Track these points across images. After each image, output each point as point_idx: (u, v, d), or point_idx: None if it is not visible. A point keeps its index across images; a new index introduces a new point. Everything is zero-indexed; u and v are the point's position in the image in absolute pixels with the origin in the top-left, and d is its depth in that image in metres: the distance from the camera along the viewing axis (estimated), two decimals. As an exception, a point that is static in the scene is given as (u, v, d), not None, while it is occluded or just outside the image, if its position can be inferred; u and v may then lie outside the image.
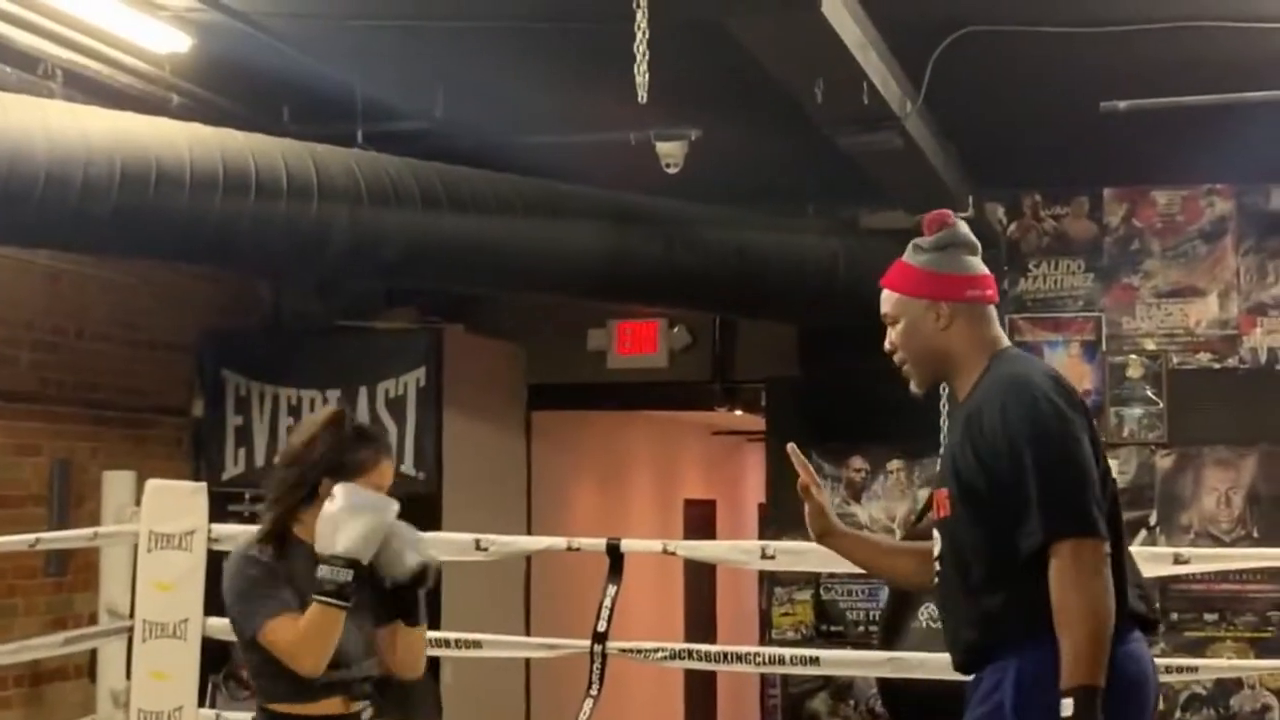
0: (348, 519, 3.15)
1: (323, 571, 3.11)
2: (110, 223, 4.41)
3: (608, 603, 4.69)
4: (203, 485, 4.90)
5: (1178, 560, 4.40)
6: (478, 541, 4.69)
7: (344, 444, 3.29)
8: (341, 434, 3.31)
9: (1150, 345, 6.93)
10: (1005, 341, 2.97)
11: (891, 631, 5.97)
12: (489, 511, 6.78)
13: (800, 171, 6.44)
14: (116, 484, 5.02)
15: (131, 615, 4.74)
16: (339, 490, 3.18)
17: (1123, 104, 5.17)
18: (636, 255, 5.90)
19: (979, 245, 3.09)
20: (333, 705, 3.27)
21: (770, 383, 7.55)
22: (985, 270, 3.04)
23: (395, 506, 3.23)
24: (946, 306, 2.97)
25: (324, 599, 3.11)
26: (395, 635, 3.33)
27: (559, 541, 4.95)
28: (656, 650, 4.79)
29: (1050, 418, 2.70)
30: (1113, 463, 6.67)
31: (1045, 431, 2.68)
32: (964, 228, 3.09)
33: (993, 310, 2.99)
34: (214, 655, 5.98)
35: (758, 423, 8.37)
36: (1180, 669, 4.94)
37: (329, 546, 3.12)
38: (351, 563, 3.12)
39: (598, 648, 4.62)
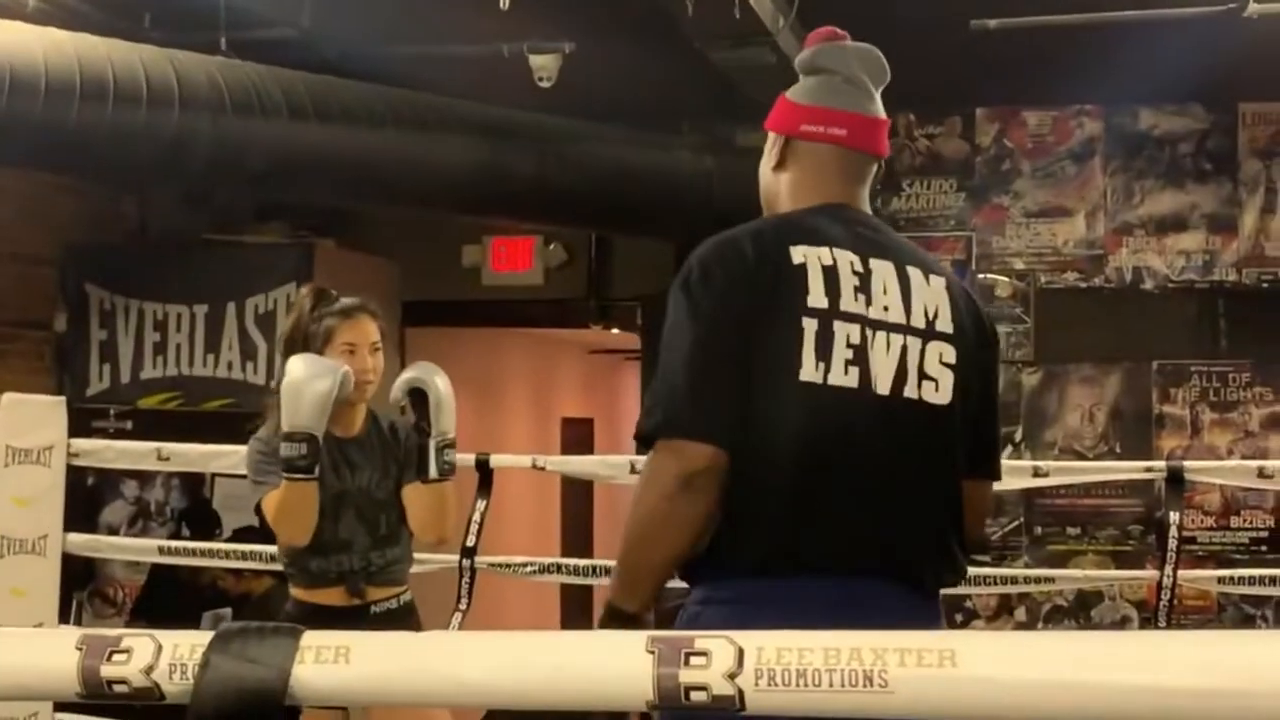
0: (298, 392, 3.33)
1: (283, 449, 3.31)
2: (-39, 129, 4.28)
3: (476, 518, 4.69)
4: (61, 399, 4.80)
5: (1037, 473, 4.48)
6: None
7: (320, 316, 3.56)
8: (322, 308, 3.58)
9: (1019, 264, 7.01)
10: (845, 199, 2.36)
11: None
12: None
13: (676, 88, 6.40)
14: (-28, 398, 4.90)
15: (-13, 532, 4.64)
16: (290, 364, 3.36)
17: (993, 22, 5.20)
18: (509, 171, 5.84)
19: (868, 78, 2.42)
20: (334, 595, 3.60)
21: (646, 300, 7.54)
22: (857, 107, 2.39)
23: (341, 368, 3.41)
24: (779, 141, 2.44)
25: (288, 474, 3.32)
26: (411, 496, 3.56)
27: (428, 457, 4.92)
28: (526, 564, 4.79)
29: (682, 291, 2.22)
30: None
31: (675, 307, 2.23)
32: (845, 50, 2.44)
33: (850, 158, 2.37)
34: (78, 572, 5.90)
35: (635, 341, 8.37)
36: (1039, 579, 5.06)
37: (288, 422, 3.31)
38: (306, 436, 3.28)
39: (466, 563, 4.62)
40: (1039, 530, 6.83)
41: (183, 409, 6.57)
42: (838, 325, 2.19)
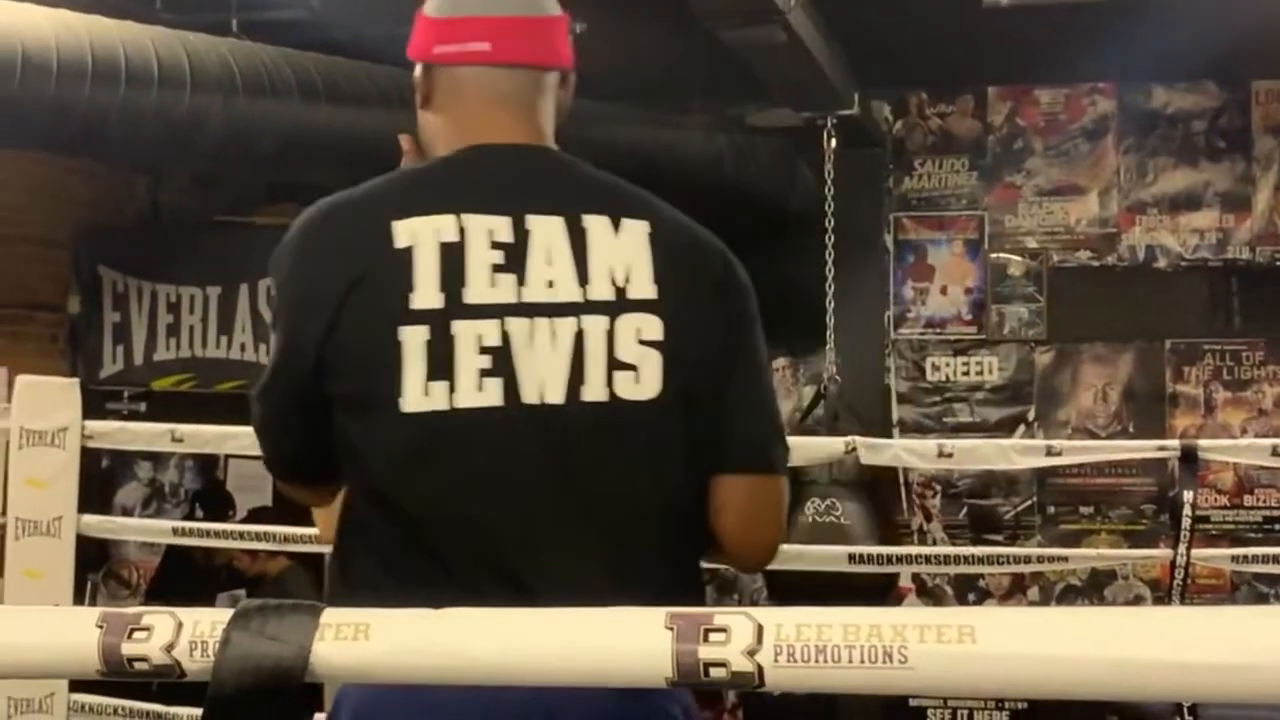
0: None
1: None
2: (-28, 111, 4.28)
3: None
4: (75, 381, 4.81)
5: (1050, 452, 4.48)
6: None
7: None
8: None
9: (1032, 243, 7.00)
10: (500, 135, 1.79)
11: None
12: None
13: (687, 68, 6.39)
14: (-14, 380, 4.92)
15: (3, 513, 4.66)
16: None
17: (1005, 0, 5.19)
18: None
19: None
20: None
21: (657, 280, 7.54)
22: (503, 8, 1.81)
23: None
24: (421, 70, 1.88)
25: None
26: None
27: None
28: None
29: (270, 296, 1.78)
30: (993, 359, 6.95)
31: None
32: None
33: (502, 77, 1.79)
34: (92, 554, 5.92)
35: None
36: (1052, 559, 5.06)
37: None
38: None
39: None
40: (1052, 509, 6.83)
41: (196, 390, 6.58)
42: (461, 327, 1.65)
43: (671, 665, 0.87)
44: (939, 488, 6.91)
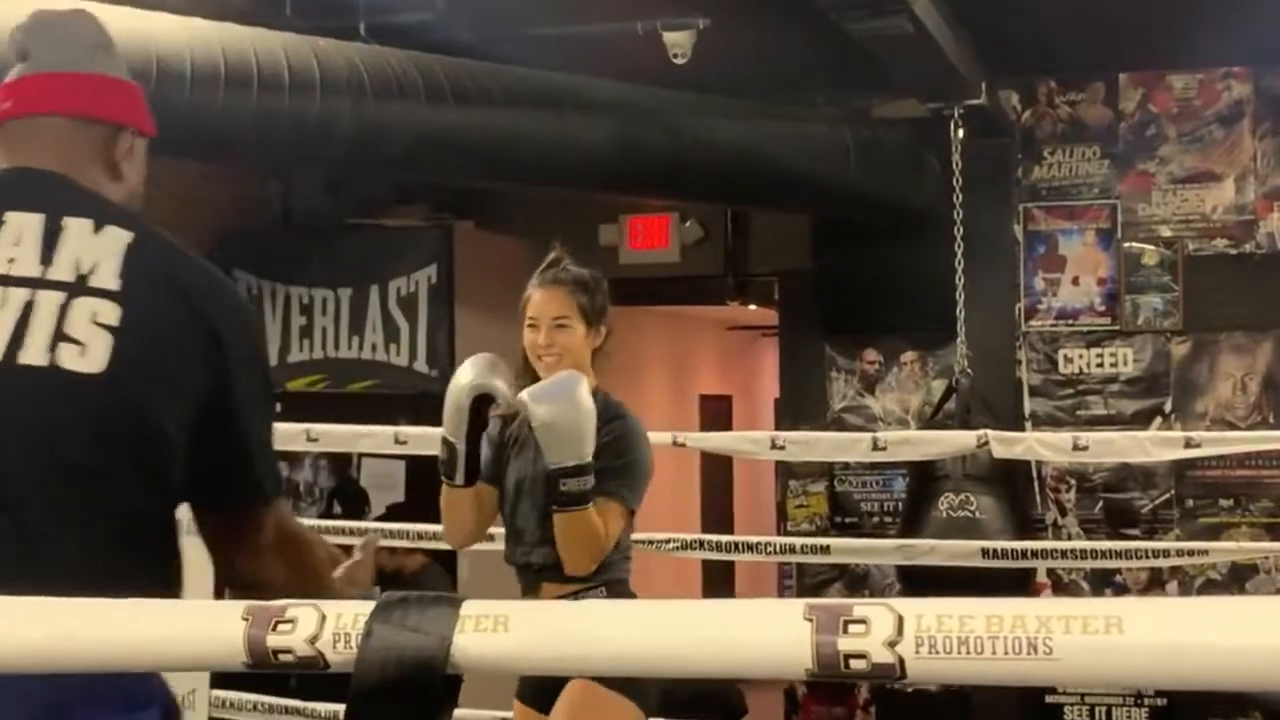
0: (448, 397, 3.21)
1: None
2: (111, 120, 4.38)
3: (619, 495, 4.71)
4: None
5: (1189, 444, 4.40)
6: (488, 435, 4.71)
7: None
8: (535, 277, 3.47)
9: (1166, 232, 6.86)
10: (23, 163, 2.07)
11: (912, 522, 5.99)
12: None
13: (811, 61, 6.36)
14: (127, 383, 5.03)
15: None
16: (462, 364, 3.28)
17: (1136, -16, 5.09)
18: (645, 148, 5.84)
19: (25, 38, 2.13)
20: (520, 587, 3.43)
21: (783, 276, 7.51)
22: (10, 77, 2.11)
23: (469, 372, 3.15)
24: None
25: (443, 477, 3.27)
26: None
27: (570, 435, 4.96)
28: (669, 541, 4.81)
29: None
30: (1127, 351, 6.83)
31: None
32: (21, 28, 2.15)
33: (19, 125, 2.07)
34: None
35: (772, 317, 8.34)
36: (1191, 552, 4.96)
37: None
38: (448, 442, 3.19)
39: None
40: (1190, 503, 6.69)
41: (329, 391, 6.68)
42: None
43: (811, 656, 0.86)
44: (1073, 482, 6.81)
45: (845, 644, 0.86)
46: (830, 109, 6.77)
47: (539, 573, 3.34)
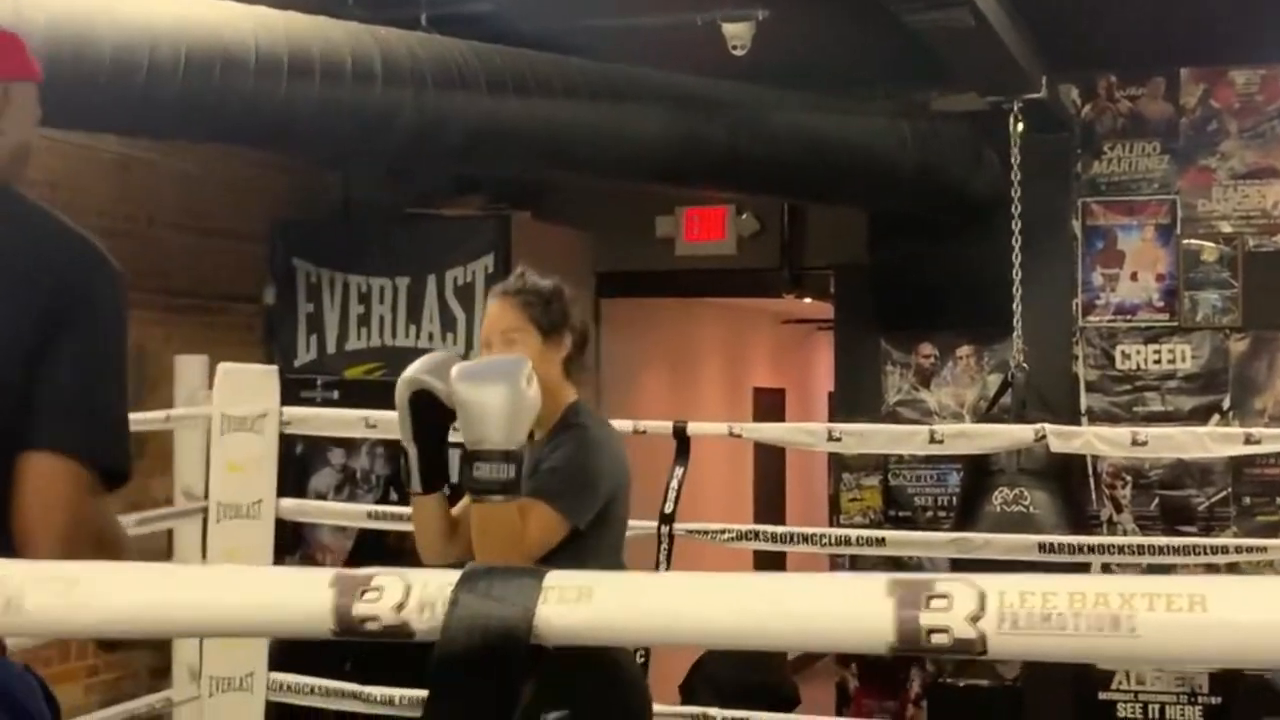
0: None
1: None
2: (176, 107, 4.42)
3: (674, 485, 4.72)
4: (274, 368, 4.95)
5: (1249, 440, 4.36)
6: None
7: None
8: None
9: (1226, 228, 6.81)
10: None
11: (965, 516, 5.98)
12: (558, 398, 6.81)
13: (870, 53, 6.35)
14: (188, 368, 5.08)
15: (206, 497, 4.81)
16: None
17: (1200, -23, 5.06)
18: (703, 140, 5.85)
19: None
20: None
21: (839, 269, 7.50)
22: None
23: (409, 369, 2.99)
24: None
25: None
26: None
27: (625, 425, 4.97)
28: (723, 531, 4.82)
29: None
30: (1185, 347, 6.77)
31: None
32: None
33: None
34: (287, 538, 6.08)
35: (827, 310, 8.34)
36: (1250, 549, 4.93)
37: None
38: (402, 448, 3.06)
39: (664, 529, 4.66)
40: (1248, 500, 6.64)
41: (386, 379, 6.71)
42: None
43: (893, 630, 0.87)
44: (1129, 478, 6.77)
45: (927, 618, 0.87)
46: (889, 102, 6.76)
47: None
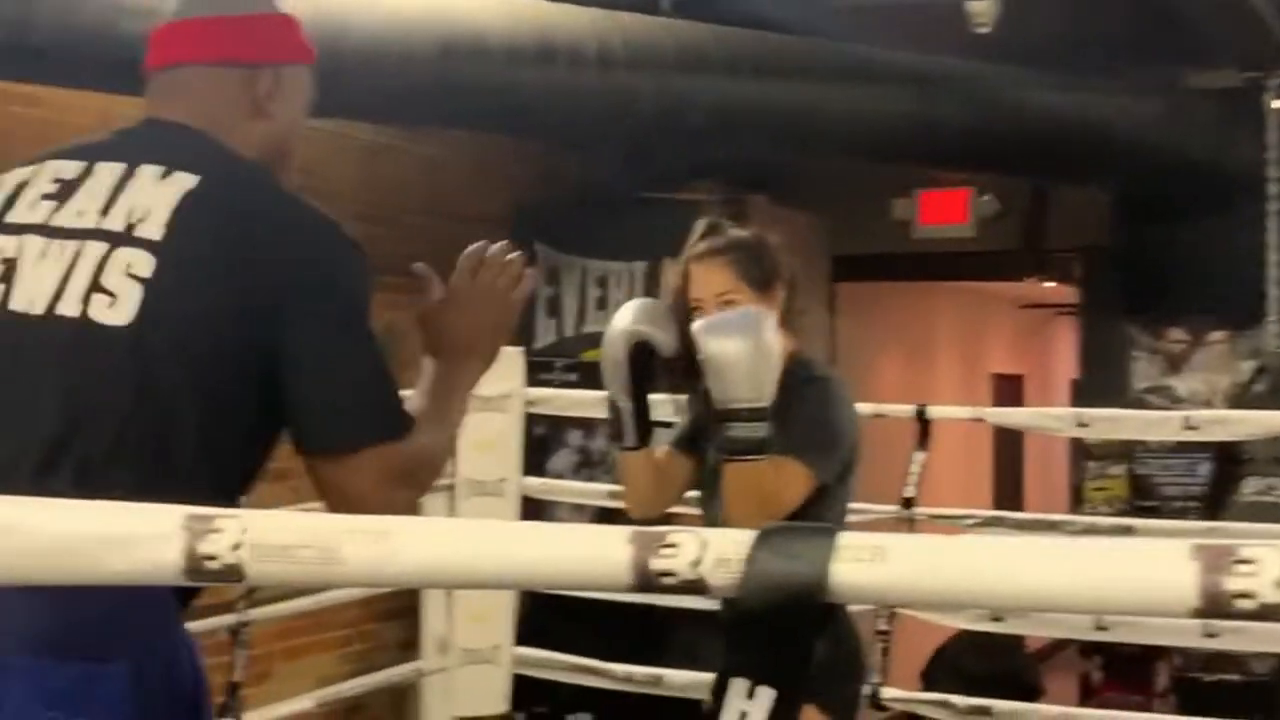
0: None
1: None
2: (427, 94, 4.55)
3: (915, 469, 4.68)
4: (519, 350, 5.04)
5: None
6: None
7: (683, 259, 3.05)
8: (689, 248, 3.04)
9: None
10: (149, 113, 2.05)
11: (1214, 506, 5.82)
12: (794, 381, 6.81)
13: (1117, 29, 6.19)
14: (437, 349, 5.22)
15: (453, 474, 4.93)
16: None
17: None
18: (944, 120, 5.79)
19: None
20: None
21: (1083, 252, 7.34)
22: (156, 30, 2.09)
23: (625, 317, 2.87)
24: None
25: None
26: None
27: (865, 408, 4.94)
28: (966, 516, 4.76)
29: None
30: None
31: None
32: None
33: (150, 77, 2.06)
34: (531, 514, 6.21)
35: (1068, 295, 8.17)
36: None
37: None
38: (610, 400, 2.95)
39: (906, 513, 4.62)
40: None
41: (624, 362, 6.79)
42: None
43: (1197, 594, 0.86)
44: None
45: (1232, 583, 0.85)
46: (1137, 79, 6.58)
47: None
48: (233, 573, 1.00)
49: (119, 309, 1.78)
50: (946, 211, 7.48)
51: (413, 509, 1.83)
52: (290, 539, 0.99)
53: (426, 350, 2.07)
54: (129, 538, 1.02)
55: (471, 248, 2.11)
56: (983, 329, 11.23)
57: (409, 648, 5.40)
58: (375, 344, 1.90)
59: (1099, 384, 7.10)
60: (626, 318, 2.88)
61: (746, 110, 5.32)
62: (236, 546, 1.00)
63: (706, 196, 7.12)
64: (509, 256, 2.14)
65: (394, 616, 6.04)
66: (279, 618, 4.85)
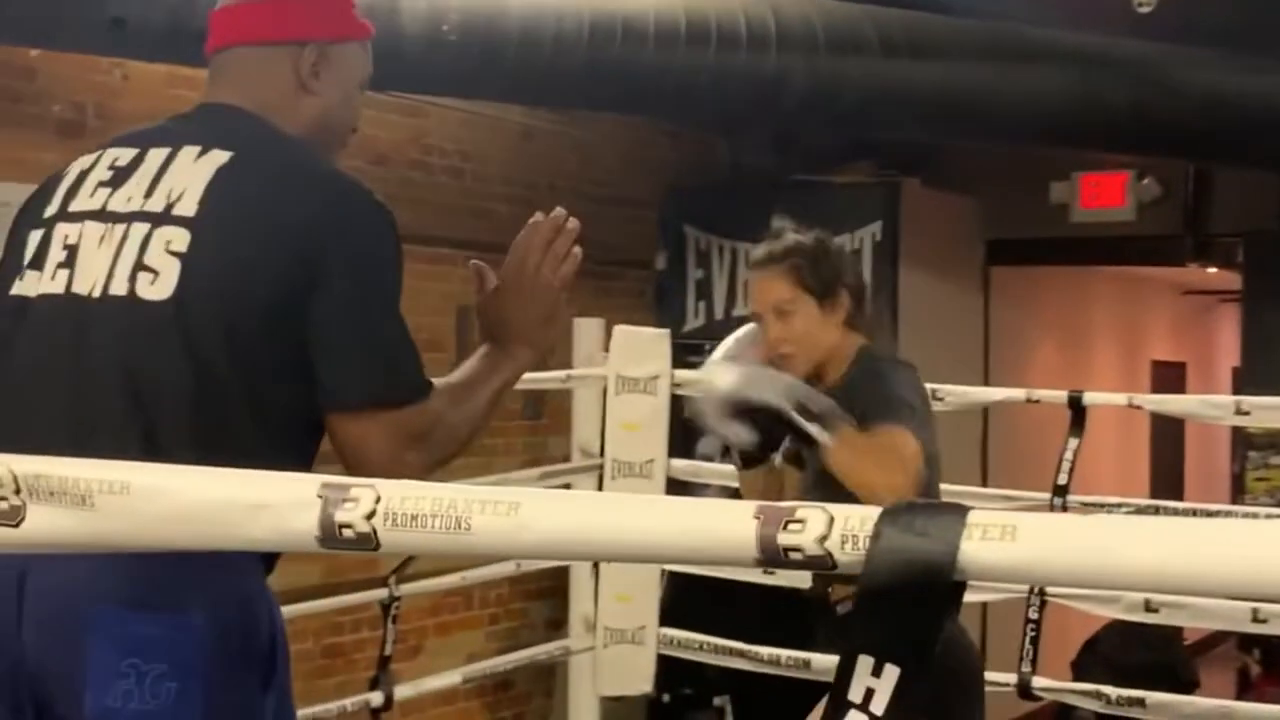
0: None
1: None
2: (580, 77, 4.58)
3: (1069, 456, 4.60)
4: (665, 332, 5.05)
5: None
6: (934, 392, 4.67)
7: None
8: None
9: None
10: (206, 99, 2.15)
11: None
12: (945, 366, 6.70)
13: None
14: (586, 330, 5.25)
15: (601, 454, 4.96)
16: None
17: None
18: (1103, 102, 5.66)
19: None
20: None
21: (1248, 236, 7.14)
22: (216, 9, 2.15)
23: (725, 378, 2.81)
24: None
25: None
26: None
27: (1017, 393, 4.88)
28: (1120, 505, 4.66)
29: None
30: None
31: None
32: None
33: (211, 59, 2.13)
34: (676, 493, 6.22)
35: (1231, 281, 7.96)
36: None
37: None
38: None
39: (1058, 500, 4.55)
40: None
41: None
42: (59, 229, 1.97)
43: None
44: None
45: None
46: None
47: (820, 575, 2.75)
48: (366, 541, 1.02)
49: (160, 284, 1.88)
50: (1105, 195, 7.32)
51: (425, 474, 1.85)
52: (422, 508, 1.01)
53: (482, 337, 2.13)
54: (267, 504, 1.04)
55: (523, 232, 2.13)
56: (1143, 315, 10.99)
57: (557, 627, 5.45)
58: (397, 308, 1.95)
59: (1261, 372, 6.91)
60: (728, 379, 2.81)
61: (900, 92, 5.25)
62: (370, 515, 1.02)
63: (858, 179, 7.06)
64: (562, 226, 2.12)
65: (542, 596, 6.10)
66: (430, 593, 4.93)
